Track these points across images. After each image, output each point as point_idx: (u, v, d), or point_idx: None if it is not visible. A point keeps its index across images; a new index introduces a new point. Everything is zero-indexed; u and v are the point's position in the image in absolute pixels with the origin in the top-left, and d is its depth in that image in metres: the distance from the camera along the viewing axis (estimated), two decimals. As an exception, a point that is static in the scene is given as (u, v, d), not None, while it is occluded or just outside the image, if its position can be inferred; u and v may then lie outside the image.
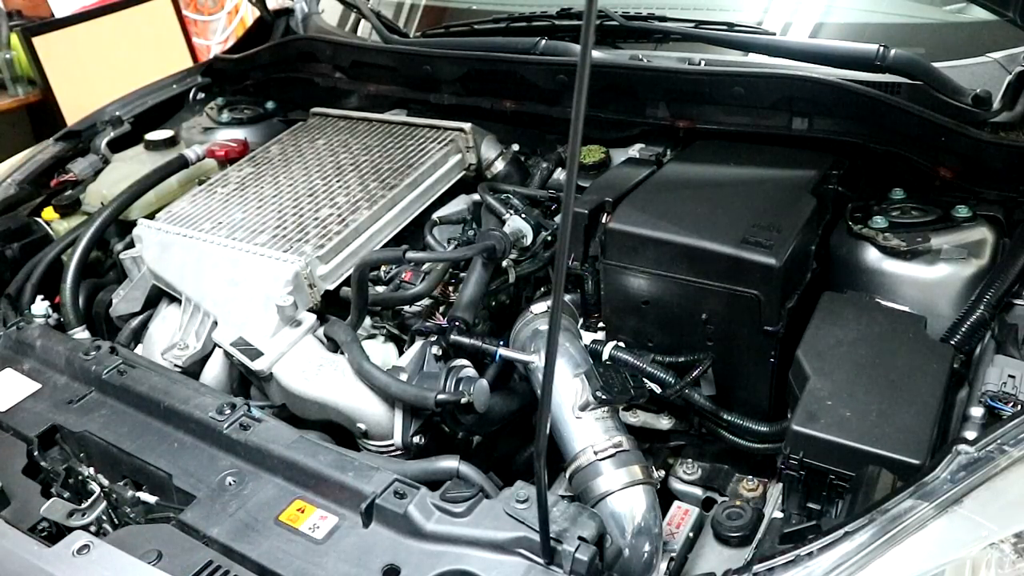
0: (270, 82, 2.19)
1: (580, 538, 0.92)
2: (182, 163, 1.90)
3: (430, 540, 0.98)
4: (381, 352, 1.40)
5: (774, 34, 1.63)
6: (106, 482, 1.19)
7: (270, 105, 2.16)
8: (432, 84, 1.86)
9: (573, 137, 0.66)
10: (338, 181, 1.60)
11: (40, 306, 1.53)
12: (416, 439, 1.25)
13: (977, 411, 1.04)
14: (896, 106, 1.39)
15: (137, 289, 1.55)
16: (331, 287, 1.41)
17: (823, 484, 1.06)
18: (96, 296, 1.64)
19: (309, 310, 1.38)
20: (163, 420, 1.21)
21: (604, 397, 1.22)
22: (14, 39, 4.02)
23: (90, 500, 1.17)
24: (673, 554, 1.12)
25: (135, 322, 1.54)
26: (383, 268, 1.45)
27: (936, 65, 1.43)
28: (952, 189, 1.42)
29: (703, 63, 1.60)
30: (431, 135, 1.74)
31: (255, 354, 1.31)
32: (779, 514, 1.11)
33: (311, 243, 1.42)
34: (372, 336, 1.44)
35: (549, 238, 1.53)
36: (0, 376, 1.35)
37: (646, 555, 1.10)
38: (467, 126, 1.72)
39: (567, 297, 1.46)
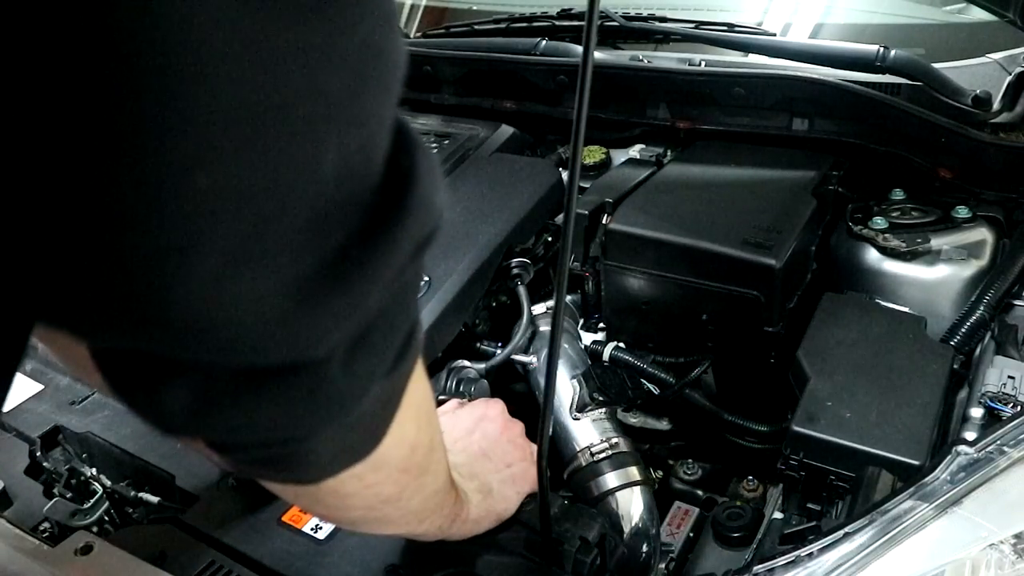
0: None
1: (581, 538, 0.93)
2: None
3: (431, 540, 0.98)
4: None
5: (774, 35, 1.63)
6: (109, 482, 1.19)
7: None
8: (432, 84, 1.86)
9: (575, 138, 0.66)
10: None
11: (41, 306, 1.52)
12: (417, 439, 1.25)
13: (977, 412, 1.04)
14: (896, 107, 1.39)
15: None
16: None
17: (823, 485, 1.06)
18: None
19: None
20: (165, 420, 1.21)
21: (602, 398, 1.22)
22: (14, 39, 4.02)
23: (92, 500, 1.17)
24: (673, 554, 1.13)
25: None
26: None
27: (936, 66, 1.43)
28: (952, 190, 1.42)
29: (703, 64, 1.60)
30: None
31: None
32: (779, 515, 1.11)
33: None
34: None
35: (549, 238, 1.53)
36: (2, 376, 1.35)
37: (644, 556, 1.11)
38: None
39: (568, 298, 1.46)
